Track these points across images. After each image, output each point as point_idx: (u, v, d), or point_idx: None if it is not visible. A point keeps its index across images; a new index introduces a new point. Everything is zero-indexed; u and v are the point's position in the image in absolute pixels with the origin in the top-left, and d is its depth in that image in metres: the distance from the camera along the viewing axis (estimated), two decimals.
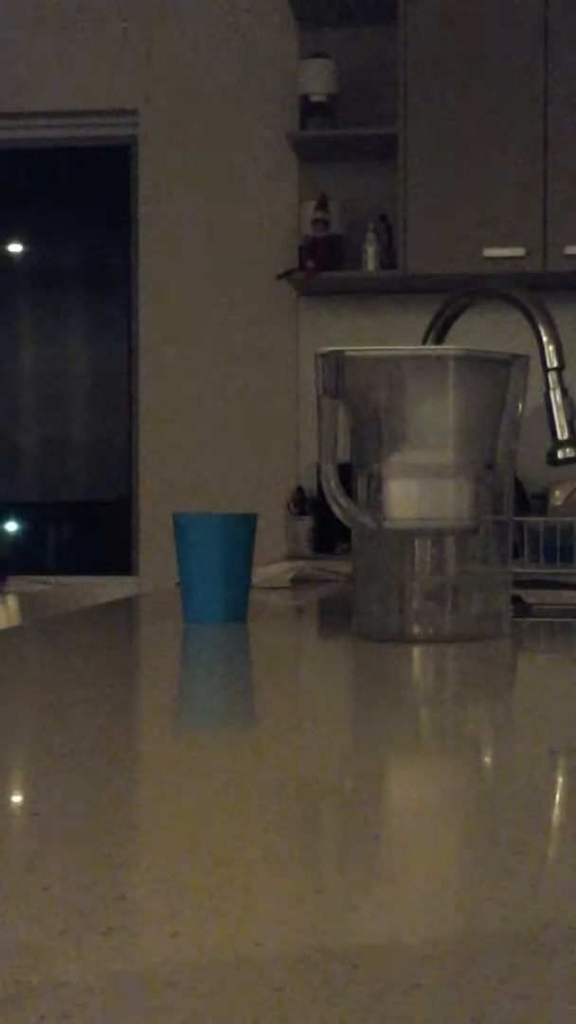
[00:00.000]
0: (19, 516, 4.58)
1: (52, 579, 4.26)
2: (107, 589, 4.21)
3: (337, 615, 1.38)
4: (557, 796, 0.51)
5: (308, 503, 4.01)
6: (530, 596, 1.71)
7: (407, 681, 0.86)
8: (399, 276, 3.82)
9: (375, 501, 1.10)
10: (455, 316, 1.50)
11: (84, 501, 4.52)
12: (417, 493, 1.09)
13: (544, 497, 3.75)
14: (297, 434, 4.17)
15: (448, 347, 1.08)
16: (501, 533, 1.13)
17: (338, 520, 1.09)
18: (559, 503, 3.24)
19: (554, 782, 0.54)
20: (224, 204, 4.19)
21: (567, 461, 1.33)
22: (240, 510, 4.18)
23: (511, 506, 1.14)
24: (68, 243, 4.54)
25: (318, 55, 3.97)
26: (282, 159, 4.18)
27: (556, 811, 0.49)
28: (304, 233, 4.05)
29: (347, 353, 1.08)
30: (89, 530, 4.57)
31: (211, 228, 4.19)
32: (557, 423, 1.35)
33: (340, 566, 2.08)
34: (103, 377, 4.46)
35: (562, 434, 1.34)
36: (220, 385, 4.19)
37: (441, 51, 3.78)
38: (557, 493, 3.28)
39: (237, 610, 1.29)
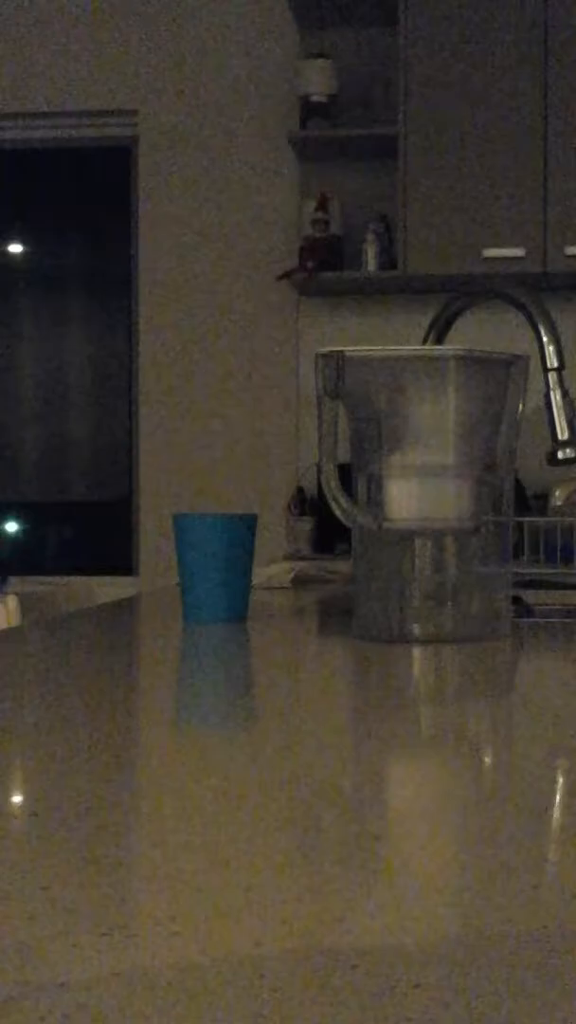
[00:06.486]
0: (19, 516, 4.58)
1: (52, 579, 4.26)
2: (107, 589, 4.21)
3: (337, 615, 1.38)
4: (557, 796, 0.51)
5: (308, 503, 4.01)
6: (530, 596, 1.71)
7: (407, 681, 0.86)
8: (399, 276, 3.82)
9: (375, 501, 1.10)
10: (455, 316, 1.50)
11: (84, 501, 4.52)
12: (417, 493, 1.09)
13: (544, 497, 3.75)
14: (297, 434, 4.17)
15: (448, 347, 1.08)
16: (501, 533, 1.13)
17: (338, 520, 1.09)
18: (559, 503, 3.24)
19: (554, 782, 0.54)
20: (224, 204, 4.19)
21: (567, 461, 1.33)
22: (240, 510, 4.18)
23: (511, 506, 1.14)
24: (68, 243, 4.54)
25: (318, 55, 3.97)
26: (282, 159, 4.18)
27: (556, 811, 0.49)
28: (304, 233, 4.05)
29: (347, 353, 1.08)
30: (89, 530, 4.57)
31: (211, 228, 4.19)
32: (557, 423, 1.35)
33: (340, 566, 2.08)
34: (103, 377, 4.46)
35: (562, 434, 1.34)
36: (220, 385, 4.19)
37: (441, 51, 3.78)
38: (557, 493, 3.28)
39: (237, 610, 1.29)
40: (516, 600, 1.59)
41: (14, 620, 1.65)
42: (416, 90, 3.78)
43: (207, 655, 1.01)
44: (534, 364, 3.98)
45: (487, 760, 0.58)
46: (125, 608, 1.50)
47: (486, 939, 0.34)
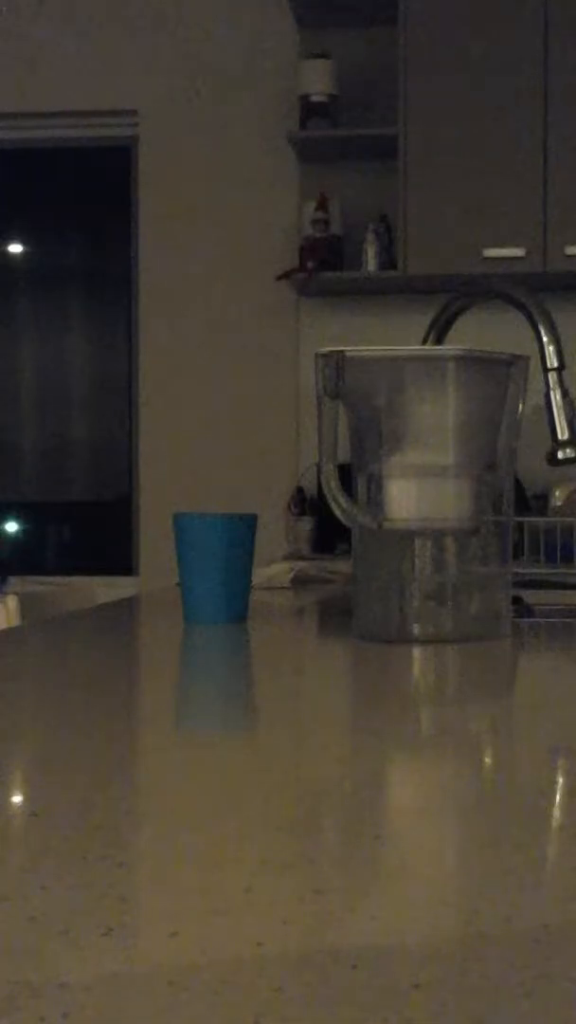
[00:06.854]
0: (19, 516, 4.58)
1: (52, 579, 4.26)
2: (107, 589, 4.21)
3: (337, 615, 1.38)
4: (557, 796, 0.51)
5: (308, 503, 4.01)
6: (530, 596, 1.71)
7: (407, 681, 0.86)
8: (399, 276, 3.81)
9: (375, 501, 1.10)
10: (455, 316, 1.50)
11: (84, 501, 4.52)
12: (417, 493, 1.09)
13: (544, 497, 3.75)
14: (297, 434, 4.17)
15: (448, 347, 1.08)
16: (501, 533, 1.13)
17: (338, 520, 1.09)
18: (559, 503, 3.24)
19: (554, 782, 0.54)
20: (224, 204, 4.19)
21: (567, 461, 1.33)
22: (240, 510, 4.18)
23: (511, 506, 1.14)
24: (68, 243, 4.54)
25: (318, 55, 3.97)
26: (282, 159, 4.18)
27: (556, 811, 0.49)
28: (304, 233, 4.05)
29: (347, 353, 1.08)
30: (89, 530, 4.56)
31: (211, 228, 4.19)
32: (557, 423, 1.35)
33: (340, 566, 2.08)
34: (103, 377, 4.46)
35: (562, 434, 1.34)
36: (220, 385, 4.19)
37: (441, 51, 3.78)
38: (557, 493, 3.28)
39: (237, 610, 1.29)
40: (516, 600, 1.59)
41: (14, 620, 1.65)
42: (416, 90, 3.78)
43: (207, 655, 1.01)
44: (534, 364, 3.98)
45: (487, 760, 0.58)
46: (125, 608, 1.50)
47: (486, 939, 0.34)
